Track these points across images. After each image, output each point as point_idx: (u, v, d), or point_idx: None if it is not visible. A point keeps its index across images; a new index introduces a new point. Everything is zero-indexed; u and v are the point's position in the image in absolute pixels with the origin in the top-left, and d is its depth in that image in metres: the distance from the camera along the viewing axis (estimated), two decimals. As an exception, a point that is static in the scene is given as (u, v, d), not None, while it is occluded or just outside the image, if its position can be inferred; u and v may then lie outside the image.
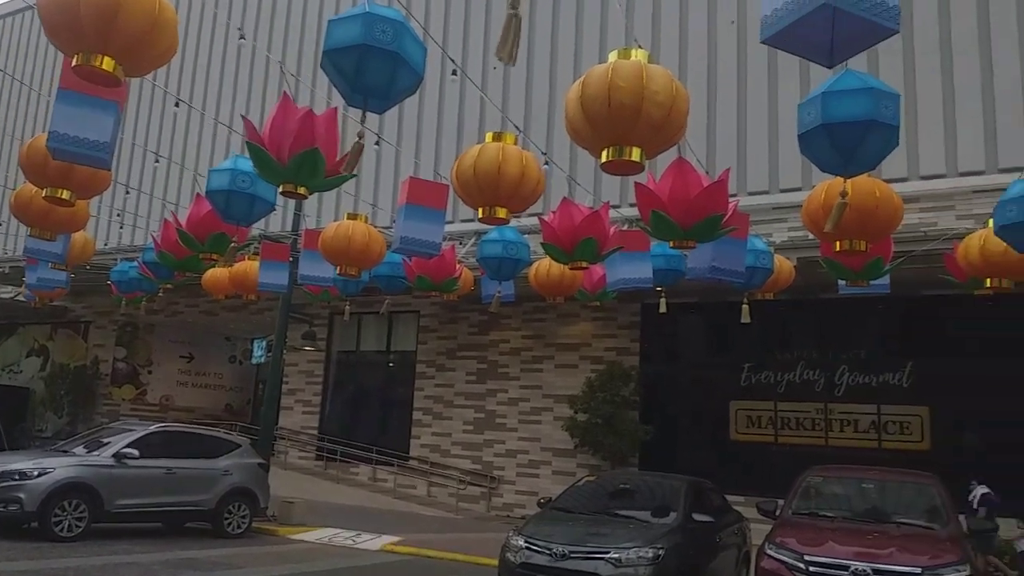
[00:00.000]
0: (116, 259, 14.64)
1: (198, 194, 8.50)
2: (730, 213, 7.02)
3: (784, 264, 10.21)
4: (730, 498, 10.90)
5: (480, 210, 6.57)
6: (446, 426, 18.49)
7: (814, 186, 7.17)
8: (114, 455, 11.24)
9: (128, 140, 21.87)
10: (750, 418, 15.70)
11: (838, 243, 6.46)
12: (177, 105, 19.75)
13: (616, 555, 7.53)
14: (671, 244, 7.02)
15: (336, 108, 6.11)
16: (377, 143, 15.24)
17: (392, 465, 18.38)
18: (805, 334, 15.76)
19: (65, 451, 11.73)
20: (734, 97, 15.53)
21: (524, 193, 6.51)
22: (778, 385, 15.51)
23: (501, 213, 6.50)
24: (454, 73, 16.11)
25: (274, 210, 8.04)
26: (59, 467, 10.78)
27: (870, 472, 9.78)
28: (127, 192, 18.04)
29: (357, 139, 4.97)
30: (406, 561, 11.69)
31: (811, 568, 7.32)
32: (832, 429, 14.97)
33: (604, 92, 4.91)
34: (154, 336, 24.74)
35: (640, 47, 5.34)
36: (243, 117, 7.42)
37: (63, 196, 6.46)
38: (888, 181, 7.12)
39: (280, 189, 6.01)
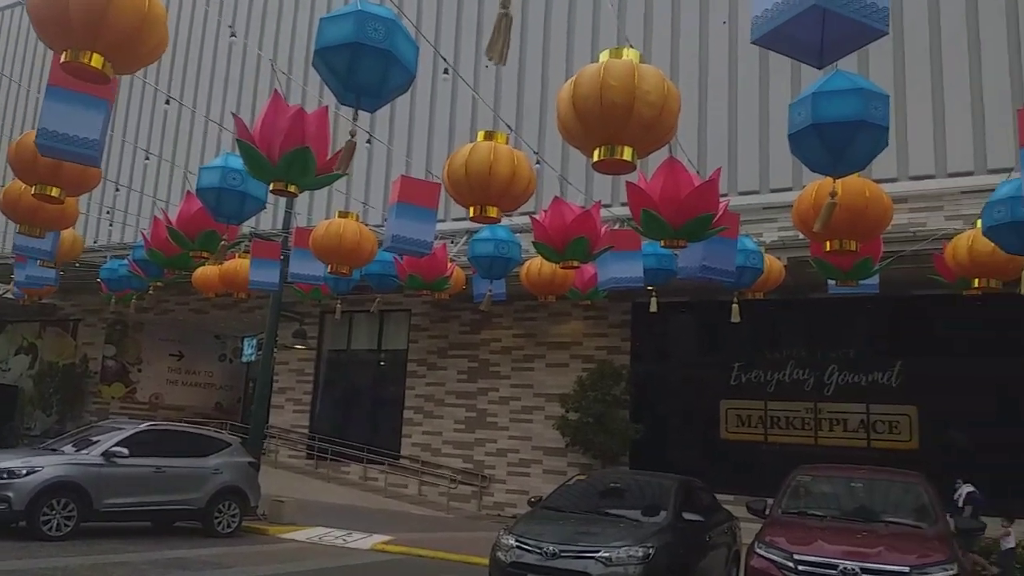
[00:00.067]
0: (106, 257, 14.55)
1: (188, 192, 8.47)
2: (721, 212, 7.06)
3: (774, 264, 10.25)
4: (720, 497, 10.93)
5: (471, 209, 6.57)
6: (437, 425, 18.48)
7: (804, 186, 7.21)
8: (103, 454, 11.17)
9: (118, 137, 21.78)
10: (740, 417, 15.75)
11: (828, 243, 6.50)
12: (167, 102, 19.66)
13: (606, 554, 7.54)
14: (662, 243, 7.05)
15: (327, 106, 6.11)
16: (369, 141, 15.24)
17: (383, 464, 18.36)
18: (795, 333, 15.82)
19: (54, 450, 11.65)
20: (725, 97, 15.56)
21: (515, 192, 6.52)
22: (768, 384, 15.57)
23: (492, 212, 6.50)
24: (446, 72, 16.10)
25: (265, 208, 8.04)
26: (48, 466, 10.70)
27: (859, 471, 9.84)
28: (117, 189, 17.98)
29: (349, 137, 4.97)
30: (397, 560, 11.68)
31: (800, 567, 7.35)
32: (821, 428, 15.04)
33: (596, 91, 4.93)
34: (144, 334, 24.61)
35: (632, 47, 5.36)
36: (234, 115, 7.40)
37: (52, 193, 6.44)
38: (878, 181, 7.15)
39: (271, 187, 6.01)
